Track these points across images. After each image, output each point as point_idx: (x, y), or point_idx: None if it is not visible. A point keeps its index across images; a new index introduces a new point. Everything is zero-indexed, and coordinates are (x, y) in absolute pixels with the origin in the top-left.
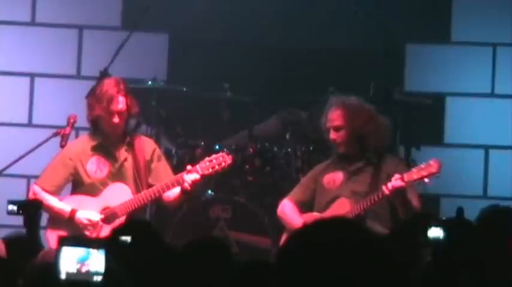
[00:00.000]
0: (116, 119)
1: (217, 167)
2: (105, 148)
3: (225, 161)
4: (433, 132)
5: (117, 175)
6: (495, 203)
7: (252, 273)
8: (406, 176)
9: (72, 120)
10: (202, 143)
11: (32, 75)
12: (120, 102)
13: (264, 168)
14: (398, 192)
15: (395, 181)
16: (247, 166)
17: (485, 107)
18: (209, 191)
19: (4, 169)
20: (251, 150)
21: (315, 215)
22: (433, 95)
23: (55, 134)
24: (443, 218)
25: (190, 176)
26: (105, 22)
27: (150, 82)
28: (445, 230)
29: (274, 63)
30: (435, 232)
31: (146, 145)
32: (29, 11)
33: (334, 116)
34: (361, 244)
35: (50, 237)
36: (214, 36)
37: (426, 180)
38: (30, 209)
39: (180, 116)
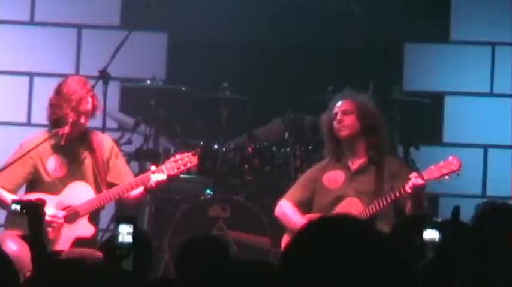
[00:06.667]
0: (83, 120)
1: (182, 167)
2: (65, 146)
3: (190, 162)
4: (432, 132)
5: (76, 174)
6: None
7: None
8: (425, 174)
9: (71, 120)
10: (202, 143)
11: (30, 75)
12: (89, 103)
13: (263, 168)
14: (418, 190)
15: (416, 179)
16: (246, 166)
17: (484, 106)
18: (208, 191)
19: (4, 169)
20: (250, 150)
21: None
22: (432, 94)
23: (54, 134)
24: (439, 219)
25: (157, 176)
26: (104, 22)
27: (149, 82)
28: (440, 232)
29: (273, 63)
30: (431, 234)
31: (104, 143)
32: (27, 11)
33: (345, 103)
34: (381, 257)
35: (7, 237)
36: (214, 36)
37: (447, 177)
38: (34, 209)
39: (179, 116)
